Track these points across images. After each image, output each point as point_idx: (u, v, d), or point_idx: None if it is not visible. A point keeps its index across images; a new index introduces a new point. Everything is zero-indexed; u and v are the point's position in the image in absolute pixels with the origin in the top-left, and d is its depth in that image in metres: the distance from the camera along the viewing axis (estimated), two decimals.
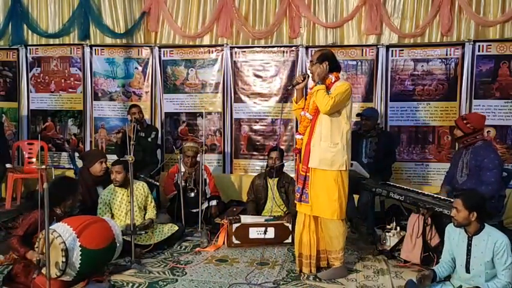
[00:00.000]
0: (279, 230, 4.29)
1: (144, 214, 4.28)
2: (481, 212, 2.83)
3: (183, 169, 4.87)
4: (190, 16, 6.05)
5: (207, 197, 4.95)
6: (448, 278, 3.10)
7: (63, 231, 3.09)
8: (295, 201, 3.67)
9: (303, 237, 3.58)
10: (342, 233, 3.50)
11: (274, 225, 4.29)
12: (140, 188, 4.27)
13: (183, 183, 4.70)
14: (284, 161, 4.79)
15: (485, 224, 2.90)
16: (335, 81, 3.44)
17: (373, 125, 4.84)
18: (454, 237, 2.98)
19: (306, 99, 3.63)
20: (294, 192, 4.54)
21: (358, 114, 4.87)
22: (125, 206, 4.11)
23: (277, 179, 4.65)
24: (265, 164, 4.95)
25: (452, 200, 3.53)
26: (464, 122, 3.93)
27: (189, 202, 4.81)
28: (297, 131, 4.07)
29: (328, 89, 3.41)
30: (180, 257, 3.98)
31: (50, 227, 2.91)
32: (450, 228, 3.04)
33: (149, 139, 5.39)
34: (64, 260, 2.99)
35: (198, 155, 4.88)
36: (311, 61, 3.56)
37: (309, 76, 3.60)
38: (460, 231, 2.94)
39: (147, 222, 4.10)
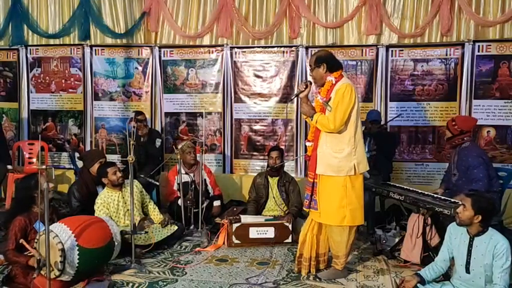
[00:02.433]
0: (279, 230, 4.29)
1: (142, 211, 4.29)
2: (486, 217, 2.83)
3: (182, 171, 4.86)
4: (191, 16, 6.05)
5: (210, 195, 4.94)
6: (448, 277, 3.10)
7: (60, 231, 3.11)
8: (305, 208, 3.64)
9: (306, 239, 3.56)
10: (346, 240, 3.44)
11: (274, 225, 4.29)
12: (134, 186, 4.24)
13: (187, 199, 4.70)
14: (284, 161, 4.79)
15: (489, 227, 2.89)
16: (336, 82, 3.36)
17: (377, 126, 4.96)
18: (456, 236, 2.97)
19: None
20: (294, 192, 4.59)
21: (371, 121, 4.94)
22: (122, 207, 4.11)
23: (277, 178, 4.66)
24: (266, 164, 4.96)
25: (451, 199, 3.55)
26: (453, 123, 4.07)
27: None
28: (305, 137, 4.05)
29: (329, 92, 3.37)
30: (180, 257, 3.98)
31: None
32: (452, 228, 3.02)
33: (156, 145, 5.41)
34: (62, 259, 3.01)
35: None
36: (310, 66, 3.52)
37: (311, 83, 3.52)
38: (463, 231, 2.93)
39: (145, 224, 4.08)
